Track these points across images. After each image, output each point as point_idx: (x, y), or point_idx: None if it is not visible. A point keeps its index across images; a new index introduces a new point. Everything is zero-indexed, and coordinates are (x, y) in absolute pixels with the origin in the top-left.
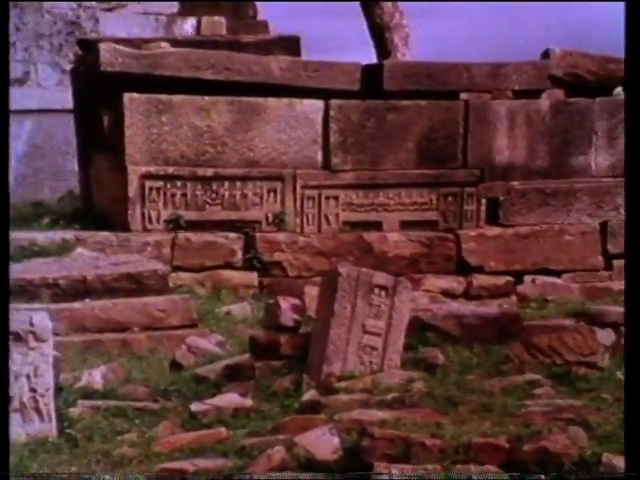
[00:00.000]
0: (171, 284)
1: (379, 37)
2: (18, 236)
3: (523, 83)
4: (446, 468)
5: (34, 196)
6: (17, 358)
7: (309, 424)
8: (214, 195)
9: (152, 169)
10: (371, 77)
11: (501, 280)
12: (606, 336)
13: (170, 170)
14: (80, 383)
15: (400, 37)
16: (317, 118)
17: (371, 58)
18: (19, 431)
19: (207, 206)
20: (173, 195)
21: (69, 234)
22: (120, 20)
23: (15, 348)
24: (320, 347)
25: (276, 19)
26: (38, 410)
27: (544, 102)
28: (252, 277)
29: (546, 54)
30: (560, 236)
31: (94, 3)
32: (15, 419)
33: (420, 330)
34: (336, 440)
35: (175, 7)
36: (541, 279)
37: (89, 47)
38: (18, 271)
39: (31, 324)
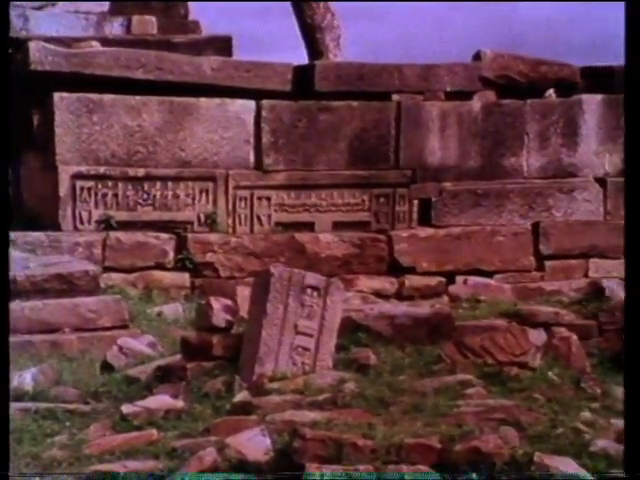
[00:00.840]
0: (102, 285)
1: (310, 38)
2: None
3: (455, 84)
4: (378, 468)
5: None
6: None
7: (241, 425)
8: (145, 195)
9: (83, 169)
10: (303, 78)
11: (433, 281)
12: (538, 336)
13: (101, 170)
14: (10, 385)
15: (332, 38)
16: (249, 118)
17: (303, 59)
18: None
19: (138, 206)
20: (104, 195)
21: None
22: (50, 19)
23: None
24: (252, 348)
25: (207, 19)
26: None
27: (476, 103)
28: (184, 278)
29: (478, 56)
30: (492, 237)
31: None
32: None
33: (352, 331)
34: (268, 441)
35: (105, 6)
36: (473, 280)
37: (19, 46)
38: None
39: None
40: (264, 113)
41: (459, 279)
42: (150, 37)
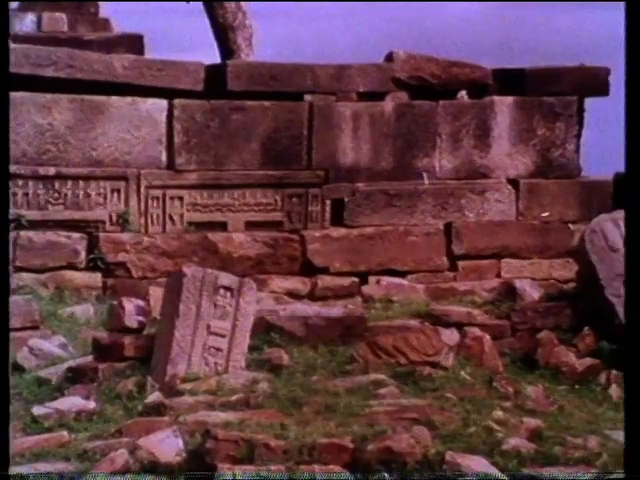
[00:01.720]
0: (13, 285)
1: (222, 37)
2: None
3: (367, 85)
4: (290, 469)
5: None
6: None
7: (153, 427)
8: (56, 194)
9: None
10: (215, 77)
11: (346, 281)
12: (450, 336)
13: (11, 169)
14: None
15: (244, 37)
16: (161, 118)
17: (215, 58)
18: None
19: (49, 205)
20: (15, 194)
21: None
22: None
23: None
24: (164, 349)
25: (118, 17)
26: None
27: (388, 104)
28: (96, 278)
29: (390, 57)
30: (405, 237)
31: None
32: None
33: (265, 331)
34: (180, 442)
35: (15, 2)
36: (386, 280)
37: None
38: None
39: None
40: (176, 112)
41: (372, 279)
42: (61, 34)
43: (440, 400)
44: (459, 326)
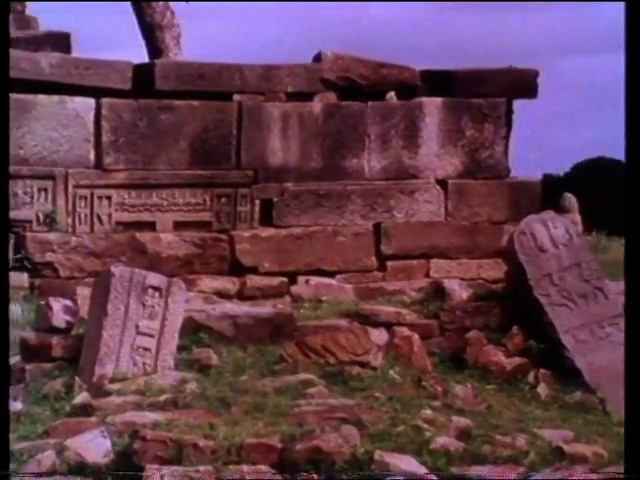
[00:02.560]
0: None
1: (150, 36)
2: None
3: (296, 85)
4: (218, 469)
5: None
6: None
7: (80, 427)
8: None
9: None
10: (143, 76)
11: (275, 281)
12: (379, 336)
13: None
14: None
15: (172, 36)
16: (89, 117)
17: (145, 57)
18: None
19: None
20: None
21: None
22: None
23: None
24: (92, 349)
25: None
26: None
27: (317, 105)
28: (22, 278)
29: (318, 57)
30: (334, 237)
31: None
32: None
33: (194, 331)
34: (108, 443)
35: None
36: (315, 280)
37: None
38: None
39: None
40: (104, 111)
41: (301, 279)
42: None
43: (369, 399)
44: (388, 326)
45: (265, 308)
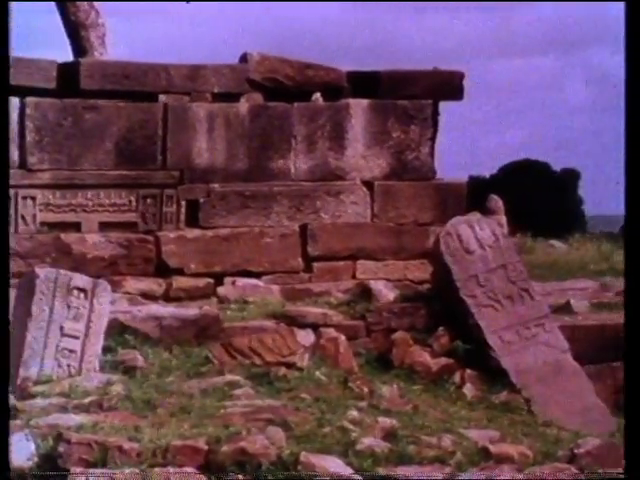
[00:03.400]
0: None
1: (75, 35)
2: None
3: (222, 86)
4: (144, 471)
5: None
6: None
7: None
8: None
9: None
10: (68, 75)
11: (201, 282)
12: (306, 337)
13: None
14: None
15: (96, 35)
16: (13, 116)
17: (69, 56)
18: None
19: None
20: None
21: None
22: None
23: None
24: (16, 351)
25: None
26: None
27: (243, 105)
28: None
29: (244, 58)
30: (260, 238)
31: None
32: None
33: (119, 332)
34: (32, 446)
35: None
36: (241, 281)
37: None
38: None
39: None
40: (28, 111)
41: (227, 280)
42: None
43: (295, 400)
44: (314, 327)
45: (191, 309)
